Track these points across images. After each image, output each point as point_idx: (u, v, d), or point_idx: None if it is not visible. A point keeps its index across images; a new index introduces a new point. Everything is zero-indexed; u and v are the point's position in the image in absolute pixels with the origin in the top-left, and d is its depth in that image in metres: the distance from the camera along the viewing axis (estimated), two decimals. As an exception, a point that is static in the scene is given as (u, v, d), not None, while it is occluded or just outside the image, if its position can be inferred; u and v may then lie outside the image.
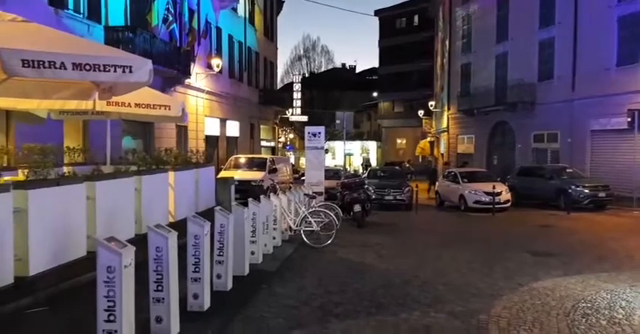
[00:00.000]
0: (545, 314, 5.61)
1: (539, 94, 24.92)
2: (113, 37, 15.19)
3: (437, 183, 21.12)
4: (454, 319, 5.43)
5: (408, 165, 42.99)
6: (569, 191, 16.88)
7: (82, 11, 14.51)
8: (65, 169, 8.46)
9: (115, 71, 5.62)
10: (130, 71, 5.74)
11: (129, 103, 8.59)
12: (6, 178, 6.03)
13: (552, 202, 17.79)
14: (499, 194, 16.79)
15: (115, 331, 3.62)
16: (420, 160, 48.09)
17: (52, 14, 12.93)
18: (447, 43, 35.27)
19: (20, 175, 6.91)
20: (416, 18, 53.57)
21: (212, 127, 24.35)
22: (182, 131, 20.54)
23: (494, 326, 5.20)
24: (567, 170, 19.18)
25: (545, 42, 24.37)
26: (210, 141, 23.95)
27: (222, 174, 16.75)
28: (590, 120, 21.24)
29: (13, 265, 4.97)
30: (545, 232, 12.60)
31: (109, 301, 3.60)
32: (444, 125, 35.99)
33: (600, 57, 20.55)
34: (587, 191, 17.08)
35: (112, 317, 3.61)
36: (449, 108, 34.85)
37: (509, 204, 17.26)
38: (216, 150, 24.61)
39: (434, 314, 5.57)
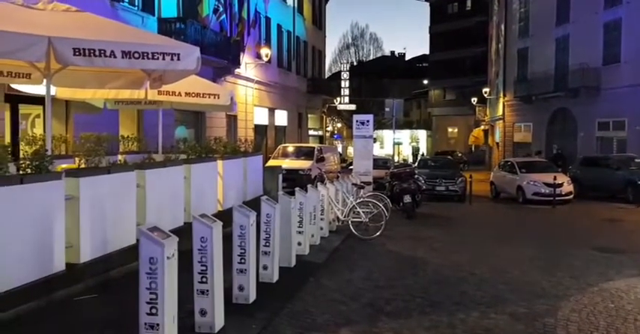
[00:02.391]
0: (620, 319, 5.10)
1: (603, 79, 23.37)
2: (166, 28, 15.39)
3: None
4: (517, 322, 5.00)
5: (460, 155, 41.84)
6: (639, 182, 15.72)
7: (136, 3, 14.77)
8: (119, 157, 8.60)
9: (163, 59, 5.63)
10: (178, 59, 5.73)
11: (179, 92, 8.66)
12: (62, 166, 6.12)
13: (619, 195, 16.61)
14: (560, 185, 15.89)
15: (157, 324, 3.50)
16: (473, 149, 46.64)
17: (109, 7, 13.21)
18: (503, 27, 33.77)
19: (77, 163, 7.05)
20: (468, 2, 51.75)
21: (261, 117, 24.45)
22: (232, 120, 20.72)
23: (563, 331, 4.76)
24: (636, 160, 17.81)
25: (611, 23, 22.76)
26: (259, 130, 24.08)
27: (270, 162, 16.75)
28: (662, 106, 19.72)
29: (64, 252, 5.02)
30: (613, 227, 11.77)
31: (151, 293, 3.49)
32: (499, 113, 34.64)
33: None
34: (658, 183, 15.86)
35: (153, 311, 3.48)
36: (504, 95, 33.47)
37: (571, 197, 16.31)
38: (265, 139, 24.73)
39: (494, 316, 5.16)
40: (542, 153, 25.00)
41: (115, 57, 5.27)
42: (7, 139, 9.44)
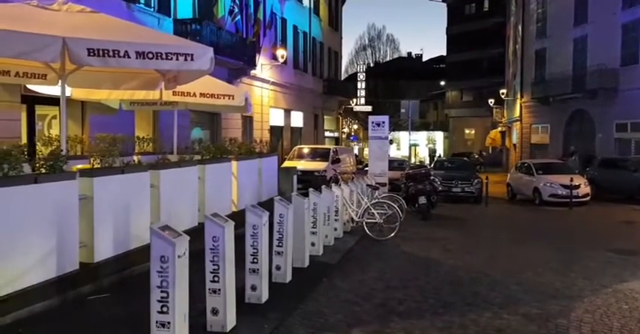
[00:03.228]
0: (634, 320, 5.02)
1: (622, 80, 22.97)
2: (181, 29, 15.50)
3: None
4: (529, 322, 4.96)
5: (477, 156, 41.43)
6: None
7: (152, 5, 14.91)
8: (134, 158, 8.68)
9: (176, 59, 5.64)
10: (192, 59, 5.74)
11: (194, 93, 8.70)
12: (78, 166, 6.20)
13: (637, 196, 16.32)
14: (577, 187, 15.65)
15: (168, 322, 3.52)
16: (490, 151, 46.15)
17: (125, 8, 13.36)
18: (520, 27, 33.41)
19: (91, 164, 7.13)
20: (486, 3, 51.21)
21: (277, 118, 24.51)
22: (248, 121, 20.81)
23: (576, 332, 4.71)
24: (655, 162, 17.50)
25: (629, 24, 22.39)
26: (275, 131, 24.14)
27: (286, 164, 16.78)
28: (682, 107, 19.28)
29: (78, 252, 5.07)
30: (630, 229, 11.56)
31: (162, 292, 3.51)
32: (517, 114, 34.24)
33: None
34: (677, 185, 15.54)
35: (164, 309, 3.51)
36: (522, 97, 33.08)
37: (588, 198, 16.05)
38: (280, 140, 24.79)
39: (507, 316, 5.12)
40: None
41: (128, 57, 5.29)
42: (24, 140, 9.60)
